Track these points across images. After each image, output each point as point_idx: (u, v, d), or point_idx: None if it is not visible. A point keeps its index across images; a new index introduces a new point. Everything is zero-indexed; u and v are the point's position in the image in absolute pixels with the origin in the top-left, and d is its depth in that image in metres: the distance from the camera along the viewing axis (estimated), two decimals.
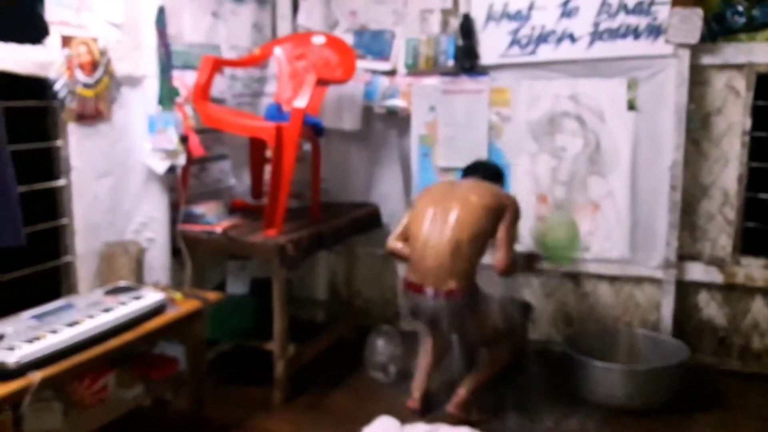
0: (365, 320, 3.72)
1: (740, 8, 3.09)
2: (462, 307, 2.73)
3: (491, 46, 3.42)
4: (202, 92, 2.99)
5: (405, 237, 2.88)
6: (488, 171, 3.00)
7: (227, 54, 3.37)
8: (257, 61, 3.44)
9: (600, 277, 3.45)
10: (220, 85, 3.27)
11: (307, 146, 3.39)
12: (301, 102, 2.88)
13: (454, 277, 2.70)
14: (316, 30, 3.63)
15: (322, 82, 3.13)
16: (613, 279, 3.43)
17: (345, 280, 3.80)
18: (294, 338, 3.05)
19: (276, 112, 3.09)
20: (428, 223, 2.77)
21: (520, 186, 3.44)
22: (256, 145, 3.26)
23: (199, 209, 3.02)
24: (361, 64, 3.55)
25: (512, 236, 2.82)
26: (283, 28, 3.76)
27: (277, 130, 2.83)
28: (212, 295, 2.66)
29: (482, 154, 3.44)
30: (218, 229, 2.93)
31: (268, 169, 3.15)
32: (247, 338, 3.14)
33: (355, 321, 3.69)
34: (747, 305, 3.28)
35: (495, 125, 3.47)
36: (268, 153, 3.10)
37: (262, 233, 2.89)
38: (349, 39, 3.62)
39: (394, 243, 2.93)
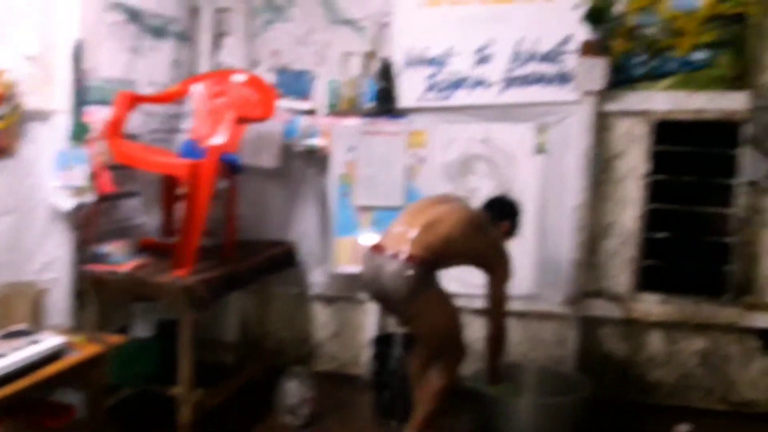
0: (278, 362, 3.66)
1: (640, 59, 3.33)
2: (416, 278, 2.64)
3: (409, 89, 3.53)
4: (116, 128, 2.92)
5: None
6: (501, 207, 3.00)
7: (145, 90, 3.31)
8: (175, 97, 3.40)
9: (509, 313, 3.57)
10: (135, 121, 3.20)
11: (224, 183, 3.37)
12: (218, 139, 2.87)
13: (416, 246, 2.67)
14: (237, 68, 3.63)
15: (241, 120, 3.13)
16: (521, 315, 3.54)
17: (257, 320, 3.77)
18: (201, 382, 2.96)
19: (191, 149, 3.05)
20: (411, 209, 2.87)
21: None
22: (169, 182, 3.21)
23: (106, 248, 2.92)
24: (282, 103, 3.57)
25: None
26: (204, 66, 3.74)
27: (192, 167, 2.80)
28: (115, 338, 2.57)
29: (399, 194, 3.54)
30: (124, 269, 2.85)
31: (180, 207, 3.10)
32: (151, 383, 3.04)
33: (267, 363, 3.64)
34: (645, 339, 3.48)
35: (412, 166, 3.56)
36: (181, 190, 3.06)
37: (171, 273, 2.82)
38: (270, 78, 3.64)
39: None
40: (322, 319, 3.83)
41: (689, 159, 3.33)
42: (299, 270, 3.69)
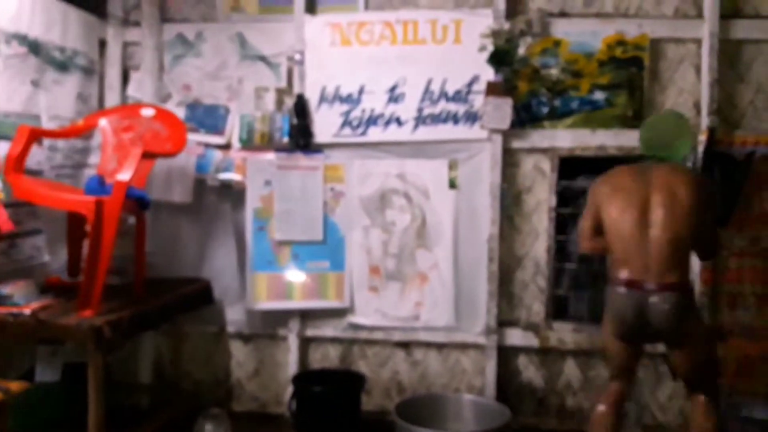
0: (195, 403, 3.52)
1: (544, 99, 3.51)
2: (684, 303, 2.56)
3: (325, 125, 3.56)
4: (16, 164, 2.78)
5: (598, 233, 2.78)
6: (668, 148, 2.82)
7: (48, 124, 3.19)
8: (80, 132, 3.29)
9: (429, 345, 3.60)
10: (37, 156, 3.07)
11: (132, 220, 3.25)
12: (124, 175, 2.78)
13: (674, 271, 2.57)
14: (146, 102, 3.56)
15: (149, 155, 3.06)
16: (441, 346, 3.60)
17: (173, 360, 3.62)
18: (113, 428, 2.79)
19: (97, 185, 2.94)
20: (633, 218, 2.63)
21: (354, 257, 3.56)
22: (74, 219, 3.07)
23: (6, 289, 2.75)
24: (194, 138, 3.54)
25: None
26: (112, 99, 3.66)
27: (97, 203, 2.70)
28: (16, 385, 2.39)
29: (318, 228, 3.53)
30: (26, 311, 2.68)
31: (87, 244, 2.97)
32: (58, 430, 2.86)
33: (183, 405, 3.49)
34: (560, 367, 3.57)
35: (330, 200, 3.57)
36: (88, 227, 2.93)
37: (77, 314, 2.68)
38: (181, 113, 3.59)
39: (590, 243, 2.82)
40: (240, 357, 3.72)
41: None
42: (215, 307, 3.59)
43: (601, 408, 2.77)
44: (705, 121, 3.35)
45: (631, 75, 3.44)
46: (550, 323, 3.54)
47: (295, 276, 3.56)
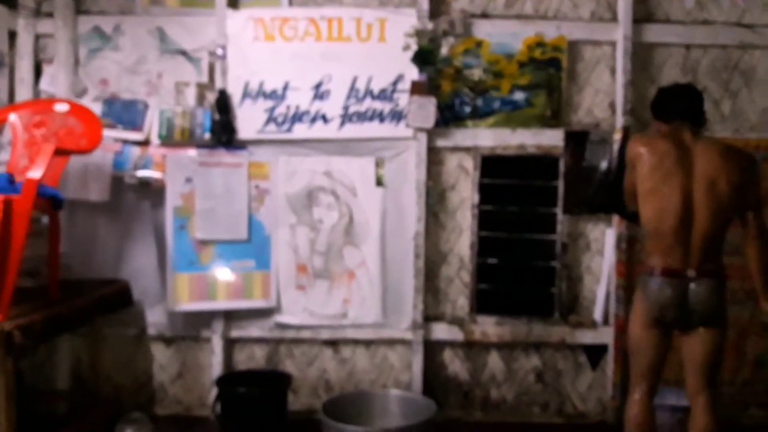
0: (115, 409, 3.40)
1: (467, 99, 3.58)
2: (721, 290, 2.57)
3: (248, 121, 3.51)
4: None
5: (635, 194, 2.67)
6: (700, 111, 2.72)
7: None
8: None
9: (357, 342, 3.61)
10: None
11: (44, 219, 3.11)
12: (35, 173, 2.65)
13: (713, 258, 2.59)
14: (60, 97, 3.41)
15: (62, 152, 2.93)
16: (368, 343, 3.62)
17: (91, 365, 3.47)
18: None
19: (6, 183, 2.80)
20: (675, 210, 2.55)
21: (280, 256, 3.52)
22: None
23: None
24: (111, 134, 3.42)
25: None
26: (23, 94, 3.50)
27: (6, 203, 2.56)
28: None
29: (242, 226, 3.48)
30: None
31: None
32: None
33: (103, 411, 3.36)
34: (485, 359, 3.65)
35: (255, 198, 3.52)
36: None
37: None
38: (97, 108, 3.46)
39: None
40: (163, 360, 3.62)
41: (514, 190, 3.59)
42: (135, 309, 3.48)
43: (635, 412, 2.66)
44: (620, 120, 3.49)
45: (549, 76, 3.55)
46: (474, 317, 3.62)
47: (219, 276, 3.49)
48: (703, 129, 2.73)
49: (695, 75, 3.59)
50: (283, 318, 3.54)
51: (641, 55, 3.55)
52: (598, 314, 3.56)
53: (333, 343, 3.62)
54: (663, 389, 3.38)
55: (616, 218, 3.48)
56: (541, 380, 3.65)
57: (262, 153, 3.53)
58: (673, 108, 2.68)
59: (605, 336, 3.55)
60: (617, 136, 3.43)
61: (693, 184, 2.55)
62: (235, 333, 3.57)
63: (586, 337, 3.59)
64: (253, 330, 3.57)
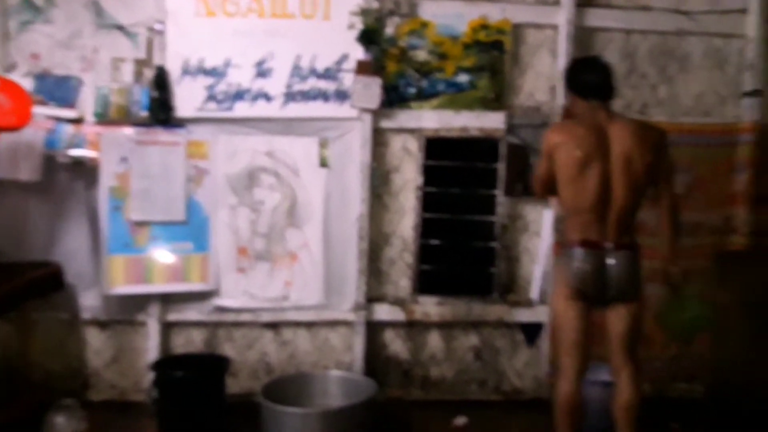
0: (46, 396, 3.26)
1: (412, 80, 3.55)
2: (636, 262, 2.70)
3: (187, 99, 3.41)
4: None
5: (552, 181, 2.77)
6: (611, 86, 2.81)
7: None
8: None
9: (298, 324, 3.60)
10: None
11: None
12: None
13: (628, 232, 2.72)
14: None
15: None
16: (310, 325, 3.61)
17: (20, 351, 3.34)
18: None
19: None
20: (593, 186, 2.65)
21: (219, 238, 3.46)
22: None
23: None
24: (42, 111, 3.26)
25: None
26: None
27: None
28: None
29: (180, 207, 3.39)
30: None
31: None
32: None
33: (33, 398, 3.24)
34: (425, 339, 3.70)
35: (193, 178, 3.43)
36: None
37: None
38: (28, 84, 3.28)
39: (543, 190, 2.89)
40: (96, 345, 3.53)
41: (457, 172, 3.62)
42: (68, 293, 3.36)
43: (566, 389, 2.72)
44: (560, 103, 3.54)
45: (493, 58, 3.56)
46: (416, 297, 3.65)
47: (156, 258, 3.40)
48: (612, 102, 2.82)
49: (634, 60, 3.68)
50: (222, 301, 3.49)
51: (583, 40, 3.60)
52: (534, 293, 3.65)
53: (274, 326, 3.60)
54: (596, 365, 3.53)
55: (553, 200, 3.55)
56: (479, 358, 3.73)
57: (201, 132, 3.43)
58: (589, 81, 2.76)
59: (541, 314, 3.65)
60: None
61: (611, 165, 2.68)
62: (172, 317, 3.50)
63: (523, 315, 3.69)
64: (191, 313, 3.51)
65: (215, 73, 3.42)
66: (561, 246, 2.82)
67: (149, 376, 3.31)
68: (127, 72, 3.40)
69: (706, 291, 3.40)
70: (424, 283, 3.66)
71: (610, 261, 2.68)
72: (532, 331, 3.71)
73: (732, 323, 3.56)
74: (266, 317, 3.56)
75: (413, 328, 3.68)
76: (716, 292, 3.56)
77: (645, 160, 2.69)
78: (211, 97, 3.42)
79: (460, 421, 3.43)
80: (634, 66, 3.68)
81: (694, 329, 3.21)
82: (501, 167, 3.60)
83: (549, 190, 2.84)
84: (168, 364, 3.29)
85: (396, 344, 3.69)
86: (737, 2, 3.69)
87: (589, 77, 2.77)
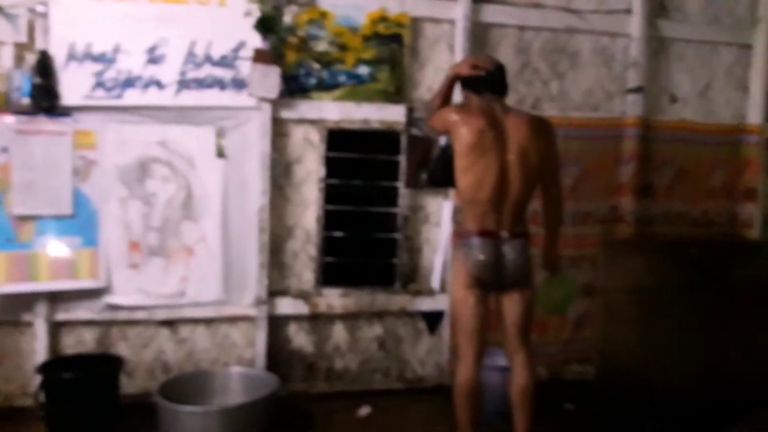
0: None
1: (312, 70, 3.52)
2: (528, 250, 2.81)
3: (74, 86, 3.22)
4: None
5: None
6: (504, 83, 2.91)
7: None
8: None
9: (197, 321, 3.50)
10: None
11: None
12: None
13: (522, 221, 2.83)
14: None
15: None
16: (209, 321, 3.51)
17: None
18: None
19: None
20: (492, 175, 2.72)
21: (109, 232, 3.29)
22: None
23: None
24: None
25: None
26: None
27: None
28: None
29: (66, 201, 3.21)
30: None
31: None
32: None
33: None
34: (329, 331, 3.69)
35: (80, 169, 3.24)
36: None
37: None
38: None
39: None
40: None
41: (359, 164, 3.62)
42: None
43: (465, 374, 2.78)
44: (457, 98, 3.60)
45: (392, 51, 3.58)
46: (320, 290, 3.64)
47: (41, 254, 3.20)
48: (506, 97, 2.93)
49: (528, 55, 3.81)
50: (114, 299, 3.33)
51: (479, 35, 3.69)
52: (435, 282, 3.71)
53: (170, 323, 3.47)
54: (494, 350, 3.64)
55: (452, 191, 3.62)
56: (383, 348, 3.77)
57: (89, 120, 3.25)
58: (483, 78, 2.84)
59: (442, 303, 3.73)
60: None
61: (507, 156, 2.76)
62: (61, 316, 3.30)
63: (425, 304, 3.75)
64: (82, 312, 3.32)
65: (104, 59, 3.25)
66: (459, 236, 2.88)
67: (37, 379, 3.11)
68: (7, 56, 3.17)
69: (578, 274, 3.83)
70: (328, 276, 3.64)
71: (506, 250, 2.77)
72: (433, 320, 3.78)
73: (620, 308, 3.78)
74: (162, 314, 3.43)
75: (317, 320, 3.66)
76: (605, 278, 3.79)
77: (539, 152, 2.80)
78: (100, 84, 3.25)
79: (364, 411, 3.45)
80: (528, 61, 3.82)
81: (566, 304, 3.70)
82: (402, 159, 3.64)
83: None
84: (57, 366, 3.10)
85: (300, 338, 3.65)
86: (622, 2, 3.90)
87: (482, 75, 2.84)
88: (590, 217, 3.91)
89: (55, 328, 3.32)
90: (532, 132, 2.79)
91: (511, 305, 2.84)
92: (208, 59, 3.36)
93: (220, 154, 3.42)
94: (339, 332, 3.71)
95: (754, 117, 4.12)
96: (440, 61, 3.67)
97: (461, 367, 2.80)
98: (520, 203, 2.80)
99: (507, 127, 2.77)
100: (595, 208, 3.92)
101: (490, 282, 2.78)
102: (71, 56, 3.22)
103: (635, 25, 3.89)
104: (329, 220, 3.61)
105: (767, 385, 3.88)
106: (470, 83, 2.86)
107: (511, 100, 3.69)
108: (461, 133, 2.73)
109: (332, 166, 3.59)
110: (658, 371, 3.75)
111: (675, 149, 4.03)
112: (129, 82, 3.28)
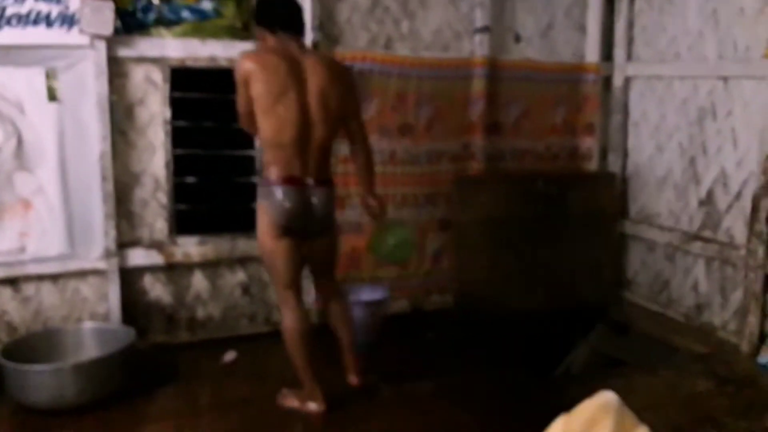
0: None
1: (150, 5, 3.29)
2: (333, 197, 2.87)
3: None
4: None
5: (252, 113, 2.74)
6: (301, 21, 2.86)
7: None
8: None
9: (41, 277, 3.27)
10: None
11: None
12: None
13: (326, 168, 2.85)
14: None
15: None
16: (55, 277, 3.30)
17: None
18: None
19: None
20: (293, 117, 2.69)
21: None
22: None
23: None
24: None
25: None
26: None
27: None
28: None
29: None
30: None
31: None
32: None
33: None
34: (188, 280, 3.60)
35: None
36: None
37: None
38: None
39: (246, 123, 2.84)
40: None
41: (209, 105, 3.47)
42: None
43: (292, 319, 2.80)
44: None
45: None
46: (174, 239, 3.52)
47: None
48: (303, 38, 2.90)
49: None
50: None
51: None
52: None
53: (12, 282, 3.22)
54: (356, 286, 3.74)
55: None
56: (247, 293, 3.73)
57: None
58: (277, 14, 2.80)
59: None
60: None
61: (308, 98, 2.74)
62: None
63: None
64: None
65: None
66: (262, 183, 2.81)
67: None
68: None
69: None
70: (183, 224, 3.52)
71: (313, 199, 2.78)
72: None
73: (472, 240, 4.00)
74: (1, 273, 3.16)
75: (174, 270, 3.54)
76: (458, 213, 3.97)
77: (339, 94, 2.79)
78: None
79: (229, 356, 3.42)
80: (378, 0, 3.81)
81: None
82: None
83: (254, 122, 2.77)
84: None
85: (156, 289, 3.53)
86: None
87: (276, 11, 2.79)
88: (444, 155, 4.04)
89: None
90: (332, 74, 2.77)
91: (320, 249, 2.93)
92: None
93: (52, 97, 3.15)
94: (199, 281, 3.62)
95: (591, 56, 4.35)
96: None
97: (286, 312, 2.84)
98: (324, 147, 2.81)
99: (305, 68, 2.73)
100: (448, 147, 4.05)
101: (297, 230, 2.78)
102: None
103: None
104: (180, 166, 3.46)
105: (605, 303, 4.33)
106: (264, 20, 2.80)
107: (363, 39, 3.76)
108: (258, 76, 2.65)
109: (179, 107, 3.41)
110: (507, 296, 4.05)
111: (520, 88, 4.19)
112: None
